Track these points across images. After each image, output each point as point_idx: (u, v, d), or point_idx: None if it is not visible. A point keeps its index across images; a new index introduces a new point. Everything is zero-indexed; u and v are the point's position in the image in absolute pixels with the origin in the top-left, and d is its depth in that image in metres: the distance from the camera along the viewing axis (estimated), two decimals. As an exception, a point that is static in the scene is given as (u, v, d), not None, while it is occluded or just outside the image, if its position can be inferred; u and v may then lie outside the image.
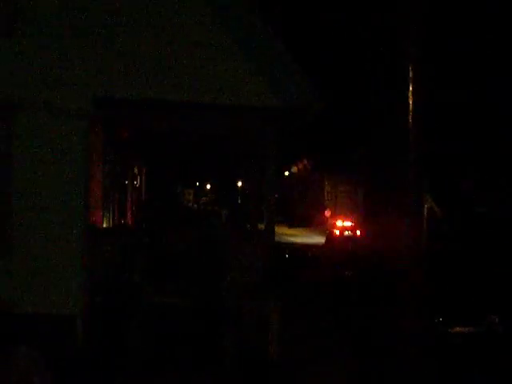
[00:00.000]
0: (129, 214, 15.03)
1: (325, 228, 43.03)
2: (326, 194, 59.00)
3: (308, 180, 62.13)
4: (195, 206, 60.70)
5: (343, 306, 14.37)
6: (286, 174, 63.77)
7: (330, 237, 32.23)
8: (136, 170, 16.08)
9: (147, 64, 9.20)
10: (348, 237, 33.63)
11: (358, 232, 35.22)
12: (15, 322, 8.29)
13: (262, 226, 14.00)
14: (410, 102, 2.23)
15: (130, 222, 14.86)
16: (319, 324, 12.35)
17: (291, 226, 54.86)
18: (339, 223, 37.31)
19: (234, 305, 8.62)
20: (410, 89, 2.22)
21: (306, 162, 60.28)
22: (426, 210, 13.58)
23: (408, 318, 2.50)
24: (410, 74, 2.22)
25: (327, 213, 49.04)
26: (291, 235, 45.73)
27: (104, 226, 10.46)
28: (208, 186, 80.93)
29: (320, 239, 36.93)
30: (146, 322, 8.57)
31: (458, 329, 12.87)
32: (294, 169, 63.88)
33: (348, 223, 36.86)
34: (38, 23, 9.00)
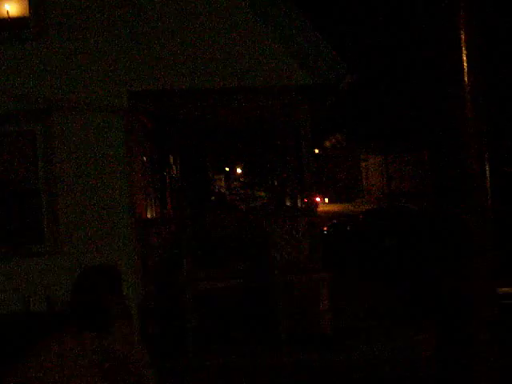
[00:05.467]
0: (169, 203, 15.24)
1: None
2: (361, 167, 58.95)
3: (342, 154, 61.94)
4: (227, 191, 60.87)
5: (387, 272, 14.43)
6: (316, 151, 63.65)
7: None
8: (171, 160, 16.26)
9: (178, 54, 9.30)
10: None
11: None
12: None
13: (302, 204, 14.14)
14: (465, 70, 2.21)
15: (170, 211, 15.07)
16: (367, 293, 12.43)
17: (328, 201, 55.38)
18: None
19: (284, 281, 8.75)
20: (464, 53, 2.21)
21: (339, 136, 60.00)
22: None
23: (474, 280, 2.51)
24: (463, 37, 2.20)
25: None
26: (327, 211, 45.84)
27: (148, 216, 10.65)
28: (239, 170, 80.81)
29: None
30: (201, 306, 8.74)
31: (505, 289, 12.86)
32: (327, 144, 63.63)
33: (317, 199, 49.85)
34: (69, 24, 9.16)
